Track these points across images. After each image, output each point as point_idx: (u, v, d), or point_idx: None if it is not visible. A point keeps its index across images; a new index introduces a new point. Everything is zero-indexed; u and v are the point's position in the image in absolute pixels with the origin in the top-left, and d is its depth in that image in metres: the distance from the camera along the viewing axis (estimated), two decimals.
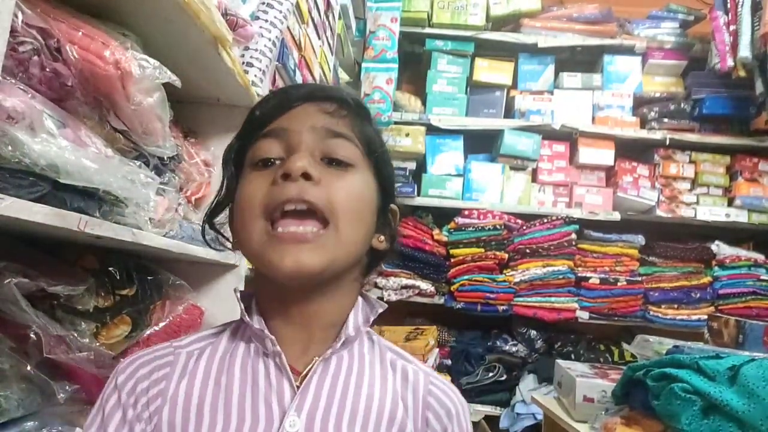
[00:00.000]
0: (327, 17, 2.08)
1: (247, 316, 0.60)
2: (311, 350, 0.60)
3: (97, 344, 0.89)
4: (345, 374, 0.59)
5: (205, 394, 0.57)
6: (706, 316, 2.14)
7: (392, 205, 0.67)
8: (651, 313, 2.69)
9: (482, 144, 2.99)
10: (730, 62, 2.53)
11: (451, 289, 2.71)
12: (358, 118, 0.63)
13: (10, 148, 0.64)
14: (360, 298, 0.64)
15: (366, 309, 0.64)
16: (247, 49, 1.32)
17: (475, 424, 2.64)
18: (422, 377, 0.63)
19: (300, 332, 0.60)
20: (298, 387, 0.57)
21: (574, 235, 2.73)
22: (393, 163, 0.69)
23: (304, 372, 0.58)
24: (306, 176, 0.56)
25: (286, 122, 0.60)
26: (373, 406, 0.58)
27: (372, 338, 0.65)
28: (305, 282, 0.57)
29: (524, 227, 2.78)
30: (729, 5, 2.56)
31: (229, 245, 0.65)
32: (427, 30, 2.98)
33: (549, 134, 2.92)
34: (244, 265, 1.42)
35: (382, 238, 0.65)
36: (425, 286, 2.74)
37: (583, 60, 3.09)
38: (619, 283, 2.68)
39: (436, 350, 2.54)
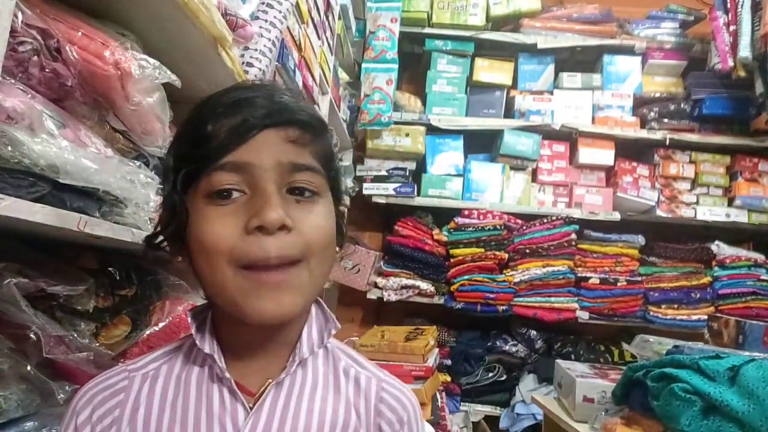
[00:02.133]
0: (327, 17, 2.08)
1: (199, 340, 0.58)
2: (266, 368, 0.59)
3: (97, 344, 0.89)
4: (298, 392, 0.59)
5: (163, 418, 0.57)
6: (706, 317, 2.14)
7: (340, 208, 0.64)
8: (651, 313, 2.69)
9: (482, 144, 2.99)
10: (730, 62, 2.53)
11: (451, 289, 2.71)
12: (318, 137, 0.59)
13: (9, 148, 0.64)
14: (313, 308, 0.63)
15: (320, 321, 0.63)
16: (246, 49, 1.32)
17: (475, 424, 2.64)
18: (374, 384, 0.63)
19: (255, 351, 0.60)
20: (251, 408, 0.57)
21: (574, 235, 2.73)
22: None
23: (258, 393, 0.58)
24: (281, 228, 0.53)
25: (246, 155, 0.54)
26: (326, 421, 0.58)
27: (327, 345, 0.64)
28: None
29: (524, 227, 2.78)
30: (729, 5, 2.55)
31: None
32: (427, 30, 2.98)
33: (549, 134, 2.92)
34: None
35: (338, 249, 0.63)
36: (425, 286, 2.74)
37: (583, 60, 3.09)
38: (619, 284, 2.68)
39: (436, 350, 2.53)
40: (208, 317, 0.61)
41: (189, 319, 0.60)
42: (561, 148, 2.94)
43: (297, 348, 0.59)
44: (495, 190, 2.87)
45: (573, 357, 2.60)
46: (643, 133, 2.86)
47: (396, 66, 2.74)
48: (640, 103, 2.94)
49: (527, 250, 2.72)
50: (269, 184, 0.54)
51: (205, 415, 0.57)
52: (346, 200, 2.72)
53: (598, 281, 2.70)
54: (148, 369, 0.61)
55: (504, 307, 2.67)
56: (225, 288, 0.54)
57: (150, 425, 0.57)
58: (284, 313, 0.55)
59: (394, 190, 2.84)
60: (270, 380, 0.58)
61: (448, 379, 2.65)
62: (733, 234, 2.84)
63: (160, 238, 0.62)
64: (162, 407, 0.58)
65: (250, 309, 0.54)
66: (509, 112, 3.00)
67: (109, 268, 0.99)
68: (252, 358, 0.59)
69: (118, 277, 1.00)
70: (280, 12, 1.39)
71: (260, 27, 1.34)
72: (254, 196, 0.54)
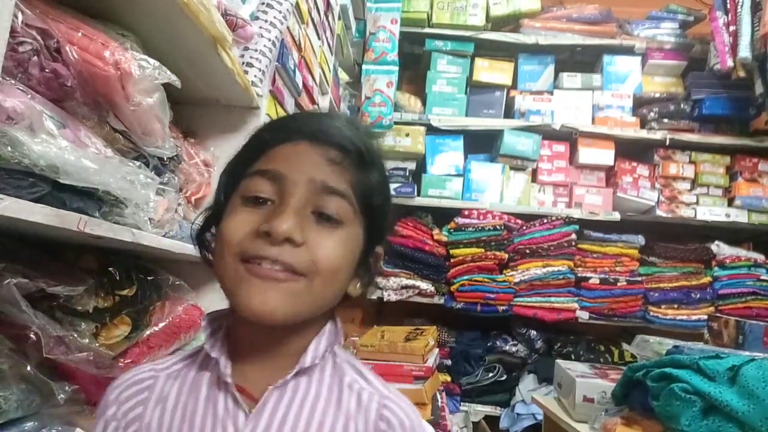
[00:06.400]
0: (327, 18, 2.08)
1: (210, 344, 0.60)
2: (273, 377, 0.60)
3: (97, 345, 0.89)
4: (300, 402, 0.59)
5: (175, 417, 0.59)
6: (706, 317, 2.14)
7: (377, 249, 0.65)
8: (651, 313, 2.69)
9: (482, 144, 2.99)
10: (729, 63, 2.53)
11: (451, 289, 2.71)
12: (360, 167, 0.60)
13: (9, 148, 0.64)
14: (328, 325, 0.64)
15: (330, 337, 0.63)
16: (246, 49, 1.32)
17: (475, 424, 2.64)
18: (376, 401, 0.61)
19: (265, 361, 0.60)
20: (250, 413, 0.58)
21: (574, 236, 2.73)
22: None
23: (259, 398, 0.59)
24: (289, 240, 0.55)
25: (285, 166, 0.58)
26: None
27: (336, 359, 0.64)
28: (269, 326, 0.58)
29: (524, 227, 2.78)
30: (729, 6, 2.56)
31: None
32: (427, 30, 2.99)
33: (549, 134, 2.92)
34: None
35: (358, 285, 0.64)
36: (425, 286, 2.74)
37: (583, 60, 3.09)
38: (619, 284, 2.68)
39: (436, 350, 2.53)
40: (224, 324, 0.63)
41: (203, 323, 0.62)
42: (561, 148, 2.94)
43: (302, 357, 0.60)
44: (495, 190, 2.87)
45: (573, 357, 2.59)
46: (643, 133, 2.86)
47: (396, 68, 2.75)
48: (640, 103, 2.94)
49: (527, 250, 2.72)
50: (294, 198, 0.57)
51: (211, 417, 0.58)
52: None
53: (598, 281, 2.70)
54: (172, 370, 0.63)
55: (504, 307, 2.67)
56: (224, 276, 0.58)
57: (163, 424, 0.59)
58: (269, 310, 0.55)
59: (394, 190, 2.84)
60: (270, 386, 0.59)
61: (448, 379, 2.65)
62: (733, 234, 2.84)
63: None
64: (175, 407, 0.60)
65: (240, 299, 0.56)
66: (509, 112, 3.00)
67: (109, 269, 0.99)
68: (261, 366, 0.60)
69: (118, 278, 1.00)
70: (280, 12, 1.40)
71: (260, 27, 1.34)
72: (278, 206, 0.57)
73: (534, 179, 2.93)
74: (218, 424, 0.57)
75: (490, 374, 2.67)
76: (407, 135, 2.87)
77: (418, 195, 2.86)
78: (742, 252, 2.76)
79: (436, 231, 2.81)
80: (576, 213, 2.80)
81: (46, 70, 0.73)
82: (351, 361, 0.65)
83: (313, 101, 1.91)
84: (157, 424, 0.59)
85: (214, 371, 0.60)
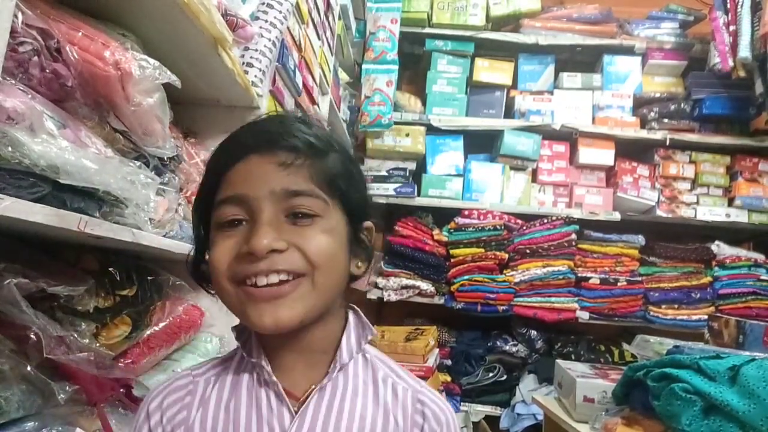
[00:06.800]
0: (327, 18, 2.08)
1: (244, 351, 0.64)
2: (309, 374, 0.63)
3: (97, 345, 0.89)
4: (340, 397, 0.63)
5: (218, 420, 0.62)
6: (706, 317, 2.14)
7: (366, 223, 0.66)
8: (651, 313, 2.69)
9: (482, 144, 2.99)
10: (730, 62, 2.53)
11: (451, 289, 2.71)
12: (314, 157, 0.60)
13: (10, 148, 0.64)
14: (351, 316, 0.67)
15: (358, 329, 0.66)
16: (246, 49, 1.32)
17: (475, 425, 2.64)
18: (410, 395, 0.65)
19: (297, 359, 0.63)
20: (296, 411, 0.61)
21: (574, 236, 2.73)
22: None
23: (303, 397, 0.62)
24: (273, 251, 0.57)
25: (244, 187, 0.59)
26: (366, 426, 0.62)
27: (366, 355, 0.67)
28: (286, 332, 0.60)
29: (524, 227, 2.78)
30: (729, 5, 2.56)
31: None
32: (427, 30, 2.99)
33: (549, 134, 2.92)
34: None
35: (360, 264, 0.66)
36: (425, 286, 2.74)
37: (583, 60, 3.09)
38: (619, 284, 2.68)
39: (437, 350, 2.54)
40: (252, 332, 0.65)
41: (234, 335, 0.66)
42: (561, 148, 2.94)
43: (337, 354, 0.63)
44: (495, 190, 2.87)
45: (573, 357, 2.59)
46: (643, 133, 2.86)
47: (396, 67, 2.75)
48: (640, 103, 2.94)
49: (527, 250, 2.72)
50: (262, 213, 0.58)
51: (255, 417, 0.61)
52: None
53: (598, 281, 2.70)
54: (209, 374, 0.66)
55: (504, 307, 2.67)
56: (230, 302, 0.61)
57: (207, 425, 0.61)
58: (283, 323, 0.58)
59: (395, 190, 2.84)
60: (314, 386, 0.62)
61: (449, 379, 2.65)
62: (733, 234, 2.84)
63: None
64: (218, 407, 0.62)
65: (252, 321, 0.59)
66: (509, 112, 3.00)
67: (110, 269, 0.99)
68: (294, 366, 0.63)
69: (118, 278, 1.00)
70: (280, 12, 1.40)
71: (260, 27, 1.34)
72: (251, 224, 0.59)
73: (534, 179, 2.93)
74: (263, 422, 0.60)
75: (491, 374, 2.67)
76: (407, 135, 2.87)
77: (418, 195, 2.86)
78: (742, 252, 2.76)
79: (436, 231, 2.81)
80: (576, 213, 2.80)
81: (47, 71, 0.73)
82: (380, 357, 0.69)
83: (313, 101, 1.91)
84: (200, 424, 0.61)
85: (254, 373, 0.63)
